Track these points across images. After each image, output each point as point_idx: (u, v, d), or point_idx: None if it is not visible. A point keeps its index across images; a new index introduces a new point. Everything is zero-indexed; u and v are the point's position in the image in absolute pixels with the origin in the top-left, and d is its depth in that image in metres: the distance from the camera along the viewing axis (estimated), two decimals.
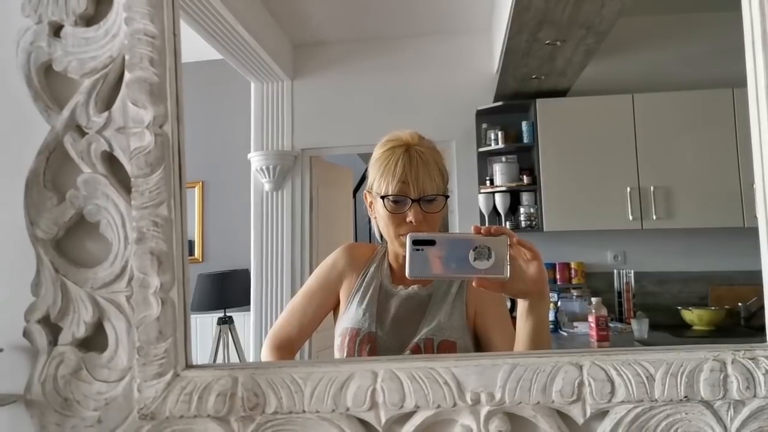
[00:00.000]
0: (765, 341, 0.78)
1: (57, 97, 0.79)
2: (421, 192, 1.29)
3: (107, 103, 0.78)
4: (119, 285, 0.76)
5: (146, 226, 0.76)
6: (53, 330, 0.77)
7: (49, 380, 0.76)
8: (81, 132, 0.78)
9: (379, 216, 1.35)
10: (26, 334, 0.77)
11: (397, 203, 1.30)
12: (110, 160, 0.78)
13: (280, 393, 0.76)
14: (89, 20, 0.79)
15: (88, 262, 0.78)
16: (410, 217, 1.28)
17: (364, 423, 0.76)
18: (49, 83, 0.79)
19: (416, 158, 1.31)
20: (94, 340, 0.78)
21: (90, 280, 0.77)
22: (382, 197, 1.31)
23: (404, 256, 1.33)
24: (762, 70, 0.78)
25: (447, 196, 1.34)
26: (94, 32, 0.78)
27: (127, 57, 0.77)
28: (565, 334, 3.60)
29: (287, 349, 1.40)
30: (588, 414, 0.75)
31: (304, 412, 0.76)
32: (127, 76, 0.77)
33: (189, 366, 0.77)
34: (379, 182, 1.32)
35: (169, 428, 0.76)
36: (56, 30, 0.79)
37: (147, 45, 0.77)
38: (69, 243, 0.79)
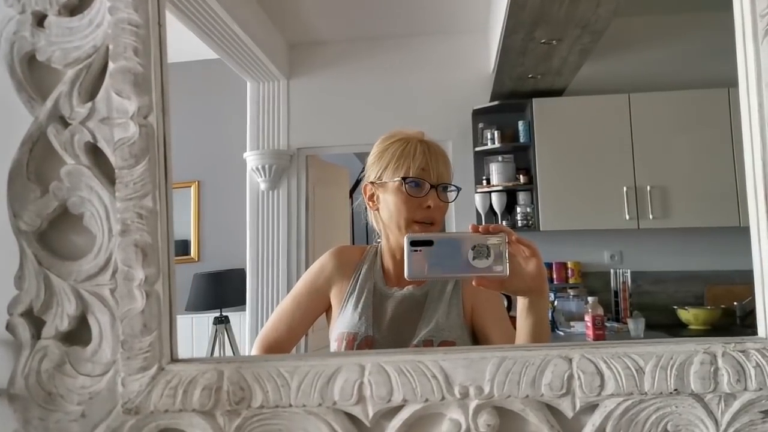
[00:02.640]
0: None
1: (40, 88, 0.78)
2: (439, 178, 1.32)
3: (91, 94, 0.77)
4: (103, 278, 0.75)
5: (130, 218, 0.75)
6: (36, 323, 0.76)
7: (33, 374, 0.75)
8: (64, 123, 0.77)
9: (390, 204, 1.34)
10: (9, 327, 0.76)
11: (416, 187, 1.31)
12: (94, 152, 0.77)
13: (266, 387, 0.75)
14: (73, 10, 0.78)
15: (72, 254, 0.77)
16: (429, 202, 1.30)
17: (351, 417, 0.75)
18: (32, 73, 0.78)
19: (433, 148, 1.35)
20: (78, 334, 0.76)
21: (74, 273, 0.76)
22: (403, 179, 1.31)
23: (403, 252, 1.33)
24: (753, 68, 0.77)
25: (459, 188, 1.37)
26: (78, 22, 0.77)
27: (110, 47, 0.76)
28: (561, 333, 3.59)
29: (277, 352, 1.39)
30: (578, 407, 0.74)
31: (290, 406, 0.75)
32: (110, 66, 0.76)
33: (174, 360, 0.76)
34: (394, 168, 1.33)
35: (154, 422, 0.75)
36: (40, 20, 0.78)
37: (131, 35, 0.76)
38: (52, 235, 0.78)
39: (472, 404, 0.75)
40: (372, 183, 1.38)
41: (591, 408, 0.75)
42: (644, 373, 0.73)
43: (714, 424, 0.73)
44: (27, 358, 0.75)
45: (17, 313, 0.76)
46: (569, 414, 0.75)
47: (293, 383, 0.75)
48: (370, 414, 0.75)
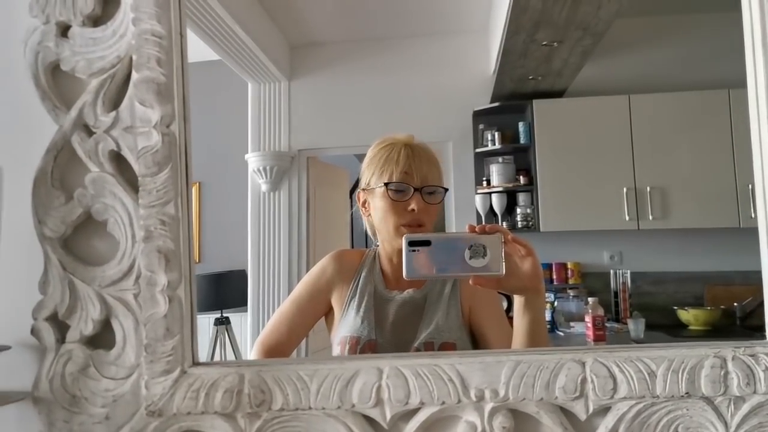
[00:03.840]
0: (765, 338, 0.80)
1: (65, 97, 0.79)
2: (423, 181, 1.32)
3: (115, 103, 0.79)
4: (127, 283, 0.77)
5: (153, 225, 0.77)
6: (61, 328, 0.78)
7: (57, 377, 0.77)
8: (89, 131, 0.78)
9: (378, 209, 1.35)
10: (34, 331, 0.77)
11: (399, 192, 1.32)
12: (117, 160, 0.79)
13: (286, 390, 0.77)
14: (96, 20, 0.80)
15: (96, 260, 0.79)
16: (413, 206, 1.30)
17: (369, 419, 0.77)
18: (56, 83, 0.80)
19: (418, 151, 1.35)
20: (102, 338, 0.78)
21: (98, 278, 0.77)
22: (386, 184, 1.32)
23: (398, 255, 1.35)
24: (762, 69, 0.79)
25: (446, 189, 1.37)
26: (102, 32, 0.79)
27: (134, 57, 0.78)
28: (561, 334, 3.60)
29: (276, 355, 1.39)
30: (591, 410, 0.76)
31: (310, 408, 0.77)
32: (134, 76, 0.78)
33: (196, 363, 0.78)
34: (380, 173, 1.34)
35: (177, 424, 0.76)
36: (64, 30, 0.79)
37: (154, 45, 0.77)
38: (77, 241, 0.80)
39: (488, 407, 0.77)
40: (364, 190, 1.40)
41: (604, 411, 0.77)
42: (656, 376, 0.75)
43: (724, 427, 0.75)
44: (52, 362, 0.77)
45: (42, 317, 0.77)
46: (582, 416, 0.76)
47: (313, 386, 0.77)
48: (388, 416, 0.77)
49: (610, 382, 0.76)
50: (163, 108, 0.77)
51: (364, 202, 1.41)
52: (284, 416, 0.77)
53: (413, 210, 1.30)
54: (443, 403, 0.77)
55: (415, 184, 1.31)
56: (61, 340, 0.78)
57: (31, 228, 0.78)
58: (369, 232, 1.45)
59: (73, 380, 0.77)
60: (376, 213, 1.37)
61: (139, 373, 0.77)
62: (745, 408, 0.75)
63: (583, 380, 0.76)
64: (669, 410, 0.75)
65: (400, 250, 1.33)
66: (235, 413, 0.77)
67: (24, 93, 0.79)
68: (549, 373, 0.76)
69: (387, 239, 1.38)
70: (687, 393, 0.75)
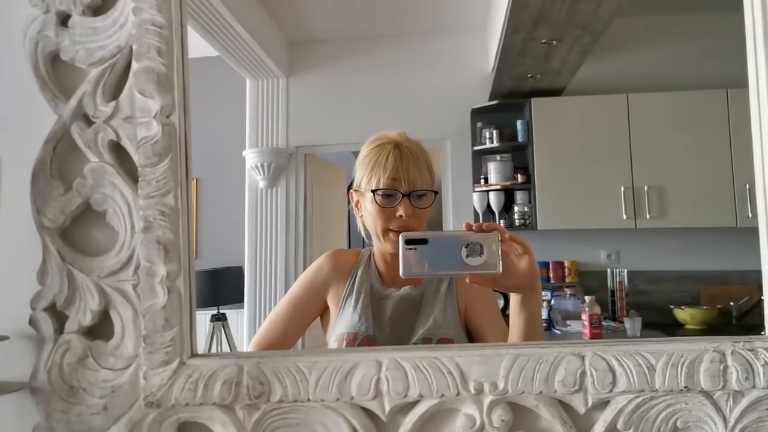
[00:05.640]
0: (764, 333, 0.80)
1: (64, 87, 0.79)
2: (411, 186, 1.31)
3: (114, 93, 0.78)
4: (126, 273, 0.77)
5: (153, 216, 0.76)
6: (59, 318, 0.77)
7: (55, 368, 0.76)
8: (88, 121, 0.78)
9: (368, 213, 1.35)
10: (32, 322, 0.77)
11: (387, 197, 1.31)
12: (117, 150, 0.78)
13: (285, 381, 0.76)
14: (97, 10, 0.79)
15: (95, 250, 0.79)
16: (400, 212, 1.29)
17: (368, 412, 0.77)
18: (56, 72, 0.79)
19: (407, 154, 1.33)
20: (101, 329, 0.78)
21: (96, 269, 0.77)
22: (373, 191, 1.32)
23: (392, 255, 1.35)
24: (763, 67, 0.79)
25: (436, 192, 1.36)
26: (102, 22, 0.78)
27: (134, 47, 0.77)
28: (558, 332, 3.61)
29: None
30: (590, 404, 0.76)
31: (308, 400, 0.76)
32: (134, 65, 0.77)
33: (194, 354, 0.78)
34: (368, 178, 1.34)
35: (175, 416, 0.76)
36: (64, 19, 0.79)
37: (155, 35, 0.77)
38: (75, 232, 0.79)
39: (487, 400, 0.77)
40: (356, 191, 1.39)
41: (603, 404, 0.77)
42: (655, 370, 0.75)
43: (722, 421, 0.75)
44: (50, 352, 0.77)
45: (40, 308, 0.77)
46: (581, 410, 0.76)
47: (312, 378, 0.77)
48: (387, 409, 0.77)
49: (609, 375, 0.76)
50: (163, 98, 0.77)
51: (357, 202, 1.41)
52: (283, 408, 0.77)
53: (401, 216, 1.30)
54: (442, 395, 0.77)
55: (403, 190, 1.30)
56: (60, 330, 0.77)
57: (29, 218, 0.78)
58: (362, 233, 1.45)
59: (71, 371, 0.76)
60: (366, 216, 1.37)
61: (138, 364, 0.76)
62: (744, 402, 0.75)
63: (582, 374, 0.76)
64: (668, 404, 0.75)
65: (392, 253, 1.34)
66: (234, 405, 0.76)
67: (23, 83, 0.79)
68: (548, 366, 0.76)
69: (377, 242, 1.38)
70: (686, 387, 0.75)
